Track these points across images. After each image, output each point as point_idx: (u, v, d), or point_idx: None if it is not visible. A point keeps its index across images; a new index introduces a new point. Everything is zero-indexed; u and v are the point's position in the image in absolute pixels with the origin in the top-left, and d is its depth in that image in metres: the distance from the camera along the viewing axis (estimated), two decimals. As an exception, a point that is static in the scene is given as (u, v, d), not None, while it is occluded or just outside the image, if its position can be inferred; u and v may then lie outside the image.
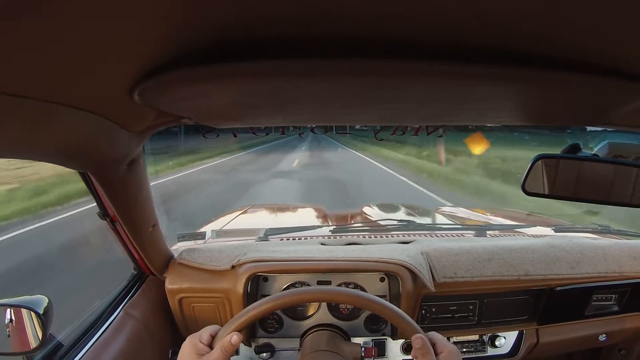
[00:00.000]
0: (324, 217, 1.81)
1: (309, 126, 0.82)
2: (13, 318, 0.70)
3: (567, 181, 0.80)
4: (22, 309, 0.69)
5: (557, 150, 0.82)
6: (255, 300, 0.79)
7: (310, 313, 1.06)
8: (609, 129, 0.80)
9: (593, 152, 0.86)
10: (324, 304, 1.05)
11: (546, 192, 0.82)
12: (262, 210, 2.10)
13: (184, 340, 0.70)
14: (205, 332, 0.71)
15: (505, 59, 0.36)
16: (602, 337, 1.18)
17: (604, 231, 1.42)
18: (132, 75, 0.39)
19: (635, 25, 0.30)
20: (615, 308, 1.17)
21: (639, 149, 0.85)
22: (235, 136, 0.75)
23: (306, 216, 1.97)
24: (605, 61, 0.37)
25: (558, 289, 1.09)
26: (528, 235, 1.36)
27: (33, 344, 0.69)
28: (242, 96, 0.47)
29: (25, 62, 0.32)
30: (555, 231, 1.40)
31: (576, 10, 0.28)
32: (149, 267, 1.03)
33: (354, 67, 0.36)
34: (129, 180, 0.78)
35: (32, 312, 0.69)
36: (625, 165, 0.79)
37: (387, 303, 0.76)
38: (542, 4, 0.27)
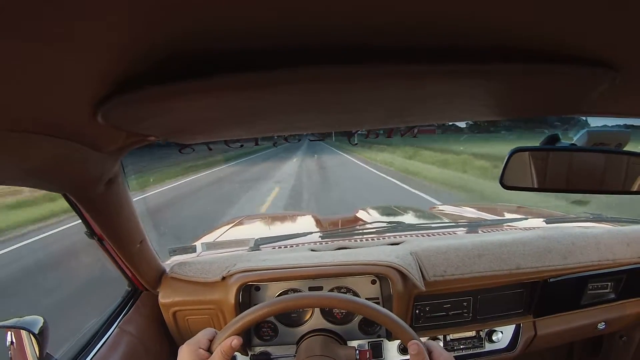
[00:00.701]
0: (316, 223, 1.81)
1: (275, 136, 0.83)
2: (14, 340, 0.71)
3: (546, 173, 0.81)
4: (19, 330, 0.71)
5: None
6: None
7: (304, 319, 1.06)
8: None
9: (572, 142, 0.87)
10: (317, 310, 1.06)
11: (525, 185, 0.82)
12: (253, 221, 2.10)
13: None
14: (204, 338, 0.71)
15: (462, 55, 0.36)
16: (601, 326, 1.17)
17: (596, 219, 1.42)
18: (94, 97, 0.40)
19: (591, 13, 0.30)
20: (612, 296, 1.16)
21: (619, 135, 0.85)
22: (210, 149, 0.77)
23: (298, 223, 1.97)
24: (566, 49, 0.37)
25: (551, 280, 1.09)
26: (519, 229, 1.36)
27: (32, 363, 0.71)
28: (202, 111, 0.47)
29: None
30: (547, 223, 1.40)
31: (536, 6, 0.28)
32: (142, 282, 1.04)
33: (310, 75, 0.36)
34: (109, 199, 0.79)
35: (29, 333, 0.70)
36: (605, 153, 0.80)
37: (380, 308, 0.76)
38: None
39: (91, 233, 0.87)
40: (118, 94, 0.38)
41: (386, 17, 0.29)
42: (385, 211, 2.06)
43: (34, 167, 0.54)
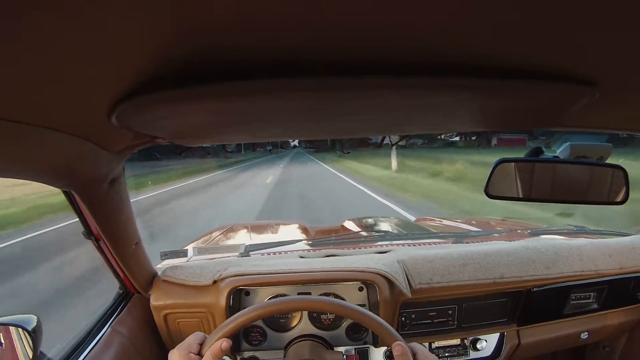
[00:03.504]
0: (305, 232, 1.83)
1: (277, 141, 0.85)
2: (2, 341, 0.71)
3: (529, 183, 0.83)
4: (12, 327, 0.71)
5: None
6: None
7: (292, 324, 1.07)
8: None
9: (554, 154, 0.91)
10: (305, 316, 1.07)
11: (509, 195, 0.85)
12: (243, 228, 2.11)
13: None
14: (194, 342, 0.72)
15: (453, 71, 0.39)
16: (584, 335, 1.19)
17: (579, 232, 1.45)
18: (110, 99, 0.42)
19: (571, 34, 0.32)
20: (595, 306, 1.18)
21: (600, 148, 0.90)
22: (209, 154, 0.79)
23: (287, 232, 1.99)
24: (548, 68, 0.40)
25: (535, 289, 1.11)
26: (504, 240, 1.39)
27: (25, 361, 0.71)
28: (211, 115, 0.49)
29: (13, 88, 0.35)
30: (531, 234, 1.43)
31: (517, 27, 0.31)
32: (134, 284, 1.05)
33: (312, 84, 0.39)
34: (111, 198, 0.81)
35: (23, 330, 0.70)
36: (586, 165, 0.84)
37: (367, 311, 0.78)
38: (482, 22, 0.30)
39: (88, 233, 0.88)
40: (132, 97, 0.40)
41: (386, 33, 0.32)
42: (373, 221, 2.08)
43: (49, 163, 0.57)
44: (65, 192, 0.78)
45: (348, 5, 0.26)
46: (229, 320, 0.75)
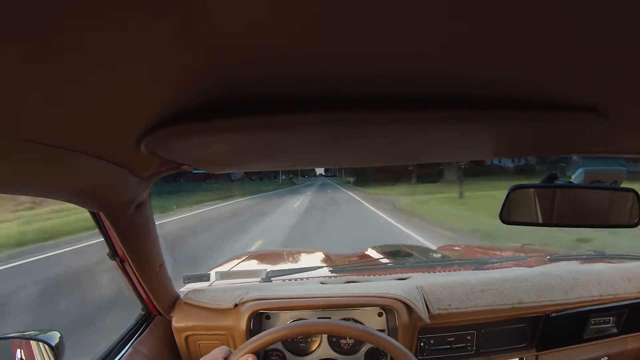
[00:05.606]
0: (327, 258, 1.85)
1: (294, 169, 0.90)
2: (23, 357, 0.73)
3: (544, 209, 0.85)
4: (36, 342, 0.73)
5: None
6: None
7: (312, 349, 1.08)
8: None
9: (569, 180, 0.92)
10: (325, 340, 1.08)
11: (523, 220, 0.87)
12: (265, 255, 2.14)
13: None
14: (219, 355, 0.74)
15: (466, 104, 0.41)
16: None
17: (598, 257, 1.43)
18: (140, 128, 0.46)
19: (581, 66, 0.35)
20: (614, 330, 1.16)
21: (614, 173, 0.91)
22: (232, 180, 0.83)
23: (308, 258, 2.01)
24: (561, 98, 0.42)
25: (553, 315, 1.10)
26: (523, 267, 1.38)
27: (46, 378, 0.73)
28: (235, 146, 0.53)
29: (50, 114, 0.38)
30: (551, 260, 1.42)
31: (532, 60, 0.33)
32: (157, 306, 1.08)
33: (332, 118, 0.42)
34: (137, 222, 0.85)
35: (46, 346, 0.72)
36: (601, 190, 0.85)
37: (390, 338, 0.79)
38: (497, 56, 0.32)
39: (113, 254, 0.92)
40: (161, 128, 0.44)
41: (402, 72, 0.35)
42: (394, 249, 2.09)
43: (81, 186, 0.62)
44: (92, 213, 0.82)
45: (370, 37, 0.29)
46: (255, 337, 0.77)
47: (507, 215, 0.87)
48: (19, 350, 0.74)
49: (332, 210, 13.01)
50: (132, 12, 0.24)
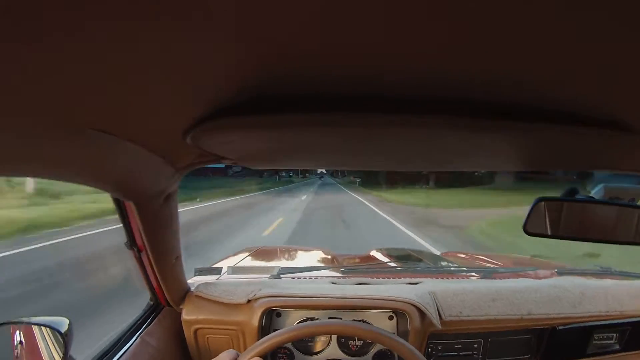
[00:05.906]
0: (332, 258, 1.85)
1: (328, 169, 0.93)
2: (23, 340, 0.72)
3: (568, 222, 0.85)
4: (44, 327, 0.72)
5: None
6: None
7: (320, 349, 1.08)
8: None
9: (589, 195, 0.91)
10: (334, 340, 1.08)
11: (548, 233, 0.86)
12: (271, 250, 2.14)
13: None
14: (226, 359, 0.73)
15: (505, 112, 0.41)
16: None
17: (605, 273, 1.44)
18: (189, 120, 0.47)
19: (609, 83, 0.35)
20: (617, 347, 1.17)
21: (632, 190, 0.91)
22: (261, 177, 0.83)
23: (314, 257, 2.01)
24: (588, 114, 0.43)
25: (560, 328, 1.11)
26: (531, 278, 1.38)
27: (55, 363, 0.72)
28: (273, 142, 0.54)
29: (105, 101, 0.39)
30: (559, 274, 1.42)
31: (573, 75, 0.33)
32: (167, 297, 1.07)
33: (365, 120, 0.43)
34: (163, 213, 0.85)
35: (55, 332, 0.71)
36: (621, 206, 0.85)
37: (405, 341, 0.79)
38: (541, 68, 0.32)
39: (131, 243, 0.91)
40: (208, 121, 0.45)
41: (436, 76, 0.35)
42: (402, 253, 2.09)
43: (115, 171, 0.61)
44: (116, 202, 0.82)
45: (369, 37, 0.29)
46: (263, 340, 0.76)
47: (531, 227, 0.87)
48: (24, 335, 0.73)
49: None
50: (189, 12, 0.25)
